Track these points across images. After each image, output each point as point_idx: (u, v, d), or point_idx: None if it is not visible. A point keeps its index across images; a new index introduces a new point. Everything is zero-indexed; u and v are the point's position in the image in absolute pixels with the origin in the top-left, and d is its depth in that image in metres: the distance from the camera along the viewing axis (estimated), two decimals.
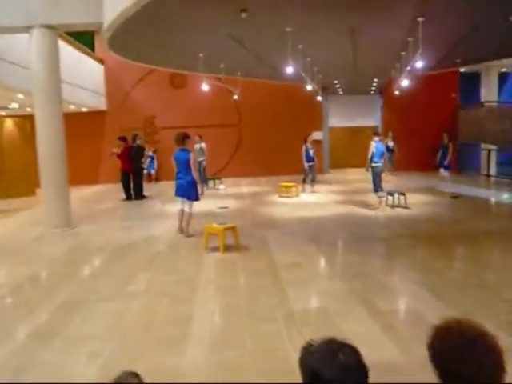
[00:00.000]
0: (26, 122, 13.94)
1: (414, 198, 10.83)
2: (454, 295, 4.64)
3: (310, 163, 13.12)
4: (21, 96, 11.62)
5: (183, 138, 7.62)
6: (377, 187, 9.93)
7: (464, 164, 17.90)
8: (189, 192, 7.55)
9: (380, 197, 9.87)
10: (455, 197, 11.40)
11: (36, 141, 8.82)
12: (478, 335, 1.31)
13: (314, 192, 12.97)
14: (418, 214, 9.35)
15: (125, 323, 4.19)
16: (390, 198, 10.11)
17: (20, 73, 10.14)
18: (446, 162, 12.23)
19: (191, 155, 7.53)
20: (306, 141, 13.27)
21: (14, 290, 5.31)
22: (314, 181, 13.27)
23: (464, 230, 7.82)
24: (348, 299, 4.60)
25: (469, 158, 18.11)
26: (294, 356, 3.31)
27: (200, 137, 14.62)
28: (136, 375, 1.59)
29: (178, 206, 7.90)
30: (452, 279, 5.23)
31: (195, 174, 7.50)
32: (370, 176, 10.23)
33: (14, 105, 13.09)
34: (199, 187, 7.70)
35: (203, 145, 14.57)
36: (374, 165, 9.96)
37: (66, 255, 6.95)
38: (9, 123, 14.22)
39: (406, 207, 9.87)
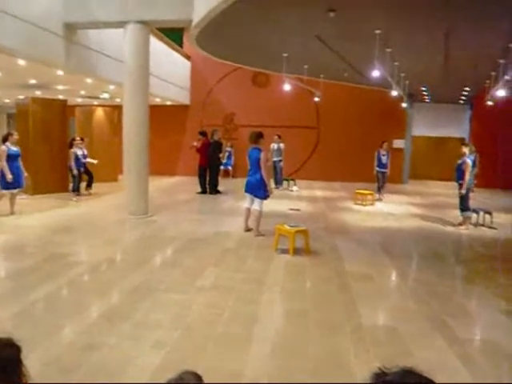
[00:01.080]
0: (115, 111, 14.74)
1: (501, 218, 10.04)
2: None
3: (382, 170, 12.70)
4: (112, 87, 12.29)
5: (257, 137, 7.67)
6: (464, 206, 9.05)
7: None
8: (256, 189, 7.57)
9: (467, 217, 9.12)
10: None
11: (122, 130, 9.26)
12: None
13: (380, 200, 12.53)
14: (505, 235, 8.64)
15: (191, 316, 4.23)
16: (475, 215, 9.44)
17: (113, 65, 10.73)
18: None
19: (262, 154, 7.54)
20: (380, 146, 12.83)
21: (91, 270, 5.57)
22: (382, 188, 12.84)
23: None
24: (422, 321, 4.31)
25: None
26: (359, 373, 3.15)
27: (279, 136, 14.59)
28: (197, 376, 1.54)
29: (245, 203, 7.93)
30: None
31: (265, 173, 7.48)
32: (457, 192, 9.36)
33: (105, 95, 13.88)
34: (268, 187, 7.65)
35: (281, 145, 14.54)
36: (461, 182, 8.85)
37: (141, 242, 7.21)
38: (99, 112, 15.09)
39: (491, 227, 9.16)
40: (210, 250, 6.71)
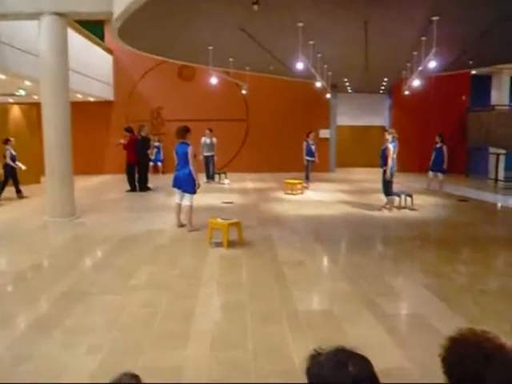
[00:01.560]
0: (33, 109, 13.89)
1: (420, 200, 10.71)
2: (460, 299, 4.55)
3: (312, 158, 13.13)
4: (28, 83, 11.57)
5: (184, 132, 7.61)
6: (388, 191, 9.59)
7: (472, 167, 17.73)
8: (185, 184, 7.53)
9: (391, 200, 9.60)
10: (463, 200, 11.28)
11: (42, 129, 8.77)
12: (495, 349, 1.22)
13: (308, 188, 12.95)
14: (425, 216, 9.24)
15: (125, 317, 4.12)
16: (397, 199, 9.99)
17: (28, 59, 10.09)
18: (443, 165, 12.23)
19: (190, 148, 7.50)
20: (307, 136, 13.23)
21: (16, 279, 5.26)
22: (307, 178, 13.27)
23: (470, 233, 7.71)
24: (353, 301, 4.51)
25: (477, 161, 17.94)
26: (297, 357, 3.24)
27: (210, 130, 14.42)
28: (135, 377, 1.51)
29: (176, 199, 7.84)
30: (459, 283, 5.14)
31: (193, 168, 7.46)
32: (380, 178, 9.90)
33: (21, 92, 13.04)
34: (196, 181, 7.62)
35: (214, 139, 14.38)
36: (385, 168, 9.43)
37: (69, 245, 6.90)
38: (15, 110, 14.17)
39: (413, 209, 9.75)
40: (143, 248, 6.57)
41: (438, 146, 12.39)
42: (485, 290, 4.92)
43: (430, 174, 12.60)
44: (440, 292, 4.76)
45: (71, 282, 5.08)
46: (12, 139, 11.00)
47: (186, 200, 7.60)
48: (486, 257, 6.25)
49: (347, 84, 17.63)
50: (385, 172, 9.45)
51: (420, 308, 4.39)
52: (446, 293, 4.75)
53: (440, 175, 12.33)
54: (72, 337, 3.71)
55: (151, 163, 14.51)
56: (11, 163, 10.64)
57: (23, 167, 11.35)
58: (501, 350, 1.22)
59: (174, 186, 7.69)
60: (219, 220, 6.74)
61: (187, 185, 7.52)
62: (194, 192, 7.62)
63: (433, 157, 12.51)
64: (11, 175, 11.07)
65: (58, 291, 4.78)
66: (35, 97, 13.99)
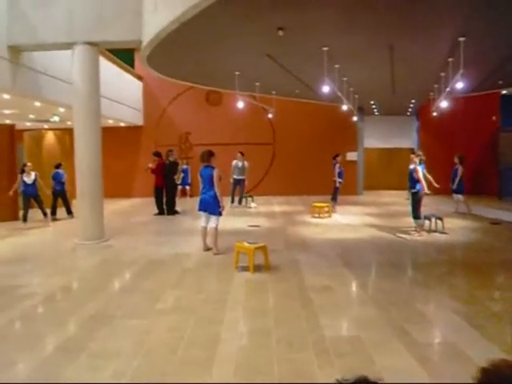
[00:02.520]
0: (66, 135, 14.37)
1: (451, 223, 10.45)
2: (494, 327, 4.37)
3: (340, 180, 13.12)
4: (62, 110, 12.00)
5: (208, 156, 7.73)
6: (416, 214, 9.38)
7: (505, 189, 17.23)
8: (211, 206, 7.59)
9: (420, 224, 9.41)
10: (496, 223, 10.95)
11: (74, 154, 9.03)
12: None
13: (335, 211, 12.89)
14: (456, 240, 8.99)
15: (151, 341, 4.11)
16: (427, 222, 9.78)
17: (62, 87, 10.49)
18: (454, 186, 12.16)
19: (215, 171, 7.61)
20: (335, 158, 13.21)
21: (46, 300, 5.34)
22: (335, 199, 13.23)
23: (504, 258, 7.44)
24: (382, 328, 4.38)
25: (510, 182, 17.43)
26: None
27: (242, 154, 14.41)
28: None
29: (201, 222, 7.88)
30: (492, 310, 4.94)
31: (218, 190, 7.53)
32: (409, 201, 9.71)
33: (55, 118, 13.53)
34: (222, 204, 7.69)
35: (246, 163, 14.34)
36: (414, 191, 9.32)
37: (97, 268, 7.00)
38: (49, 136, 14.67)
39: (443, 232, 9.50)
40: (170, 271, 6.59)
41: (456, 167, 12.27)
42: None
43: (454, 196, 12.44)
44: (473, 319, 4.58)
45: (99, 305, 5.12)
46: (29, 164, 11.18)
47: (212, 222, 7.64)
48: None
49: (374, 106, 17.58)
50: (415, 194, 9.28)
51: (451, 336, 4.23)
52: (478, 320, 4.56)
53: (460, 196, 12.11)
54: (98, 360, 3.72)
55: (180, 186, 14.66)
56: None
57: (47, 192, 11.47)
58: None
59: (200, 209, 7.73)
60: (245, 244, 6.72)
61: (213, 207, 7.58)
62: (220, 214, 7.67)
63: (452, 179, 12.37)
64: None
65: (86, 314, 4.83)
66: (68, 123, 14.51)
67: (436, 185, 9.71)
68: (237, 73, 10.68)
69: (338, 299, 5.35)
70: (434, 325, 4.63)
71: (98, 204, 8.99)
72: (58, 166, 12.18)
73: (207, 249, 7.88)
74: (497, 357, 1.37)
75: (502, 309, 5.00)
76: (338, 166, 13.14)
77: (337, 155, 13.36)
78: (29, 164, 11.08)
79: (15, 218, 11.40)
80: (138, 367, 3.59)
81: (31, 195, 10.70)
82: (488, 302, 5.21)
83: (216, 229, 7.64)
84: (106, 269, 6.94)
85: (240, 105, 12.81)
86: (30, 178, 10.75)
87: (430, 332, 4.46)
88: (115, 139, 17.23)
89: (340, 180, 13.15)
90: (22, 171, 10.82)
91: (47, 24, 8.62)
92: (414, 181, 9.20)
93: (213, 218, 7.64)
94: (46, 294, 5.57)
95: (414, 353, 3.79)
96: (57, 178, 12.02)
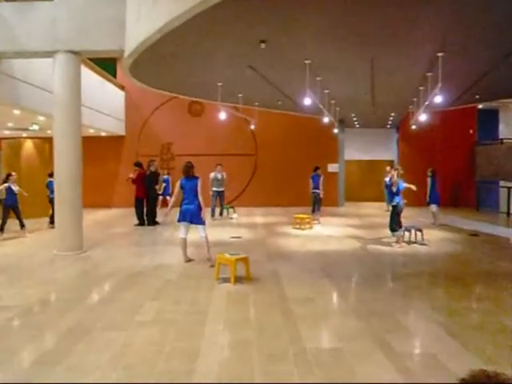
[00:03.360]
0: (45, 143, 14.17)
1: (430, 235, 10.59)
2: (473, 337, 4.42)
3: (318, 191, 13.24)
4: (41, 118, 11.84)
5: (191, 167, 7.77)
6: (394, 226, 9.54)
7: (482, 201, 17.59)
8: (197, 217, 7.57)
9: (399, 236, 9.52)
10: (474, 234, 11.14)
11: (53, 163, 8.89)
12: None
13: (318, 222, 12.99)
14: (436, 251, 9.10)
15: (130, 355, 4.04)
16: (407, 234, 9.89)
17: (42, 96, 10.36)
18: (428, 198, 12.33)
19: (200, 181, 7.64)
20: (318, 168, 13.32)
21: (22, 313, 5.21)
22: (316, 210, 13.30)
23: (483, 269, 7.56)
24: (363, 339, 4.39)
25: (487, 195, 17.81)
26: None
27: (220, 165, 14.34)
28: None
29: (181, 233, 7.79)
30: (472, 320, 5.00)
31: (202, 200, 7.56)
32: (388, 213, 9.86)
33: (35, 127, 13.33)
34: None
35: (224, 174, 14.28)
36: (393, 203, 9.51)
37: (76, 279, 6.87)
38: (28, 145, 14.44)
39: (423, 244, 9.63)
40: (150, 283, 6.51)
41: (428, 179, 12.47)
42: (499, 327, 4.77)
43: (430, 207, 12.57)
44: (452, 329, 4.63)
45: (77, 317, 5.02)
46: (14, 173, 10.89)
47: (202, 232, 7.63)
48: (500, 293, 6.10)
49: (355, 119, 17.80)
50: (394, 207, 9.43)
51: (432, 346, 4.26)
52: (458, 330, 4.62)
53: (433, 206, 12.29)
54: (75, 374, 3.64)
55: (160, 197, 14.53)
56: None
57: (25, 194, 11.02)
58: None
59: (184, 219, 7.63)
60: (227, 255, 6.69)
61: (199, 217, 7.57)
62: (204, 222, 7.66)
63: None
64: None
65: (64, 326, 4.72)
66: (48, 131, 14.31)
67: (414, 188, 9.81)
68: (219, 84, 10.71)
69: (319, 310, 5.35)
70: (414, 335, 4.66)
71: (78, 214, 8.86)
72: (51, 175, 11.71)
73: (188, 260, 7.82)
74: (476, 367, 1.39)
75: (481, 319, 5.07)
76: (322, 177, 13.26)
77: (318, 167, 13.47)
78: (13, 173, 10.85)
79: None
80: (116, 380, 3.52)
81: (13, 205, 10.48)
82: (467, 313, 5.28)
83: (207, 237, 7.62)
84: (84, 280, 6.81)
85: (222, 116, 12.82)
86: (16, 187, 10.54)
87: (410, 342, 4.49)
88: (96, 149, 17.05)
89: (319, 191, 13.24)
90: (6, 181, 10.56)
91: (28, 31, 8.52)
92: (392, 194, 9.38)
93: (200, 228, 7.62)
94: (23, 307, 5.44)
95: (395, 363, 3.81)
96: (51, 187, 11.58)
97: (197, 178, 7.68)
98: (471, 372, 1.30)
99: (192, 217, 7.58)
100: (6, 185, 10.45)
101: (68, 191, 8.67)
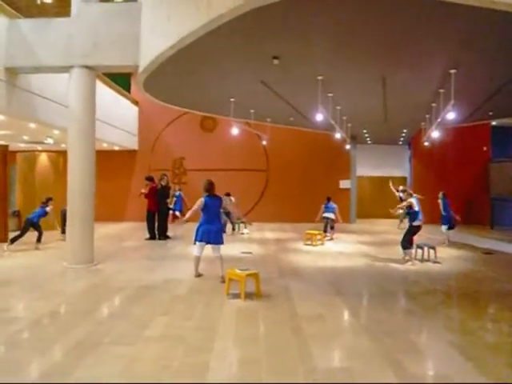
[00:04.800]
0: (60, 157, 14.34)
1: (444, 253, 10.44)
2: (487, 359, 4.30)
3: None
4: (56, 132, 12.00)
5: (213, 186, 7.64)
6: (405, 244, 9.37)
7: (497, 219, 17.34)
8: (219, 237, 7.59)
9: (409, 253, 9.37)
10: (488, 253, 10.95)
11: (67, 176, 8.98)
12: None
13: (331, 239, 12.98)
14: (449, 269, 8.96)
15: (138, 369, 4.00)
16: (420, 251, 9.76)
17: (57, 110, 10.53)
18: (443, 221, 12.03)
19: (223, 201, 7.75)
20: (329, 199, 13.45)
21: (31, 326, 5.21)
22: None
23: (497, 288, 7.41)
24: (375, 359, 4.30)
25: (502, 212, 17.55)
26: None
27: (228, 194, 13.84)
28: None
29: (196, 251, 7.71)
30: (486, 341, 4.88)
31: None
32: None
33: (50, 140, 13.51)
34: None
35: (232, 199, 14.05)
36: (416, 224, 9.32)
37: (86, 293, 6.86)
38: (43, 158, 14.63)
39: (436, 262, 9.48)
40: (160, 297, 6.48)
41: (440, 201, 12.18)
42: None
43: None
44: (466, 351, 4.52)
45: (85, 331, 5.00)
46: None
47: (218, 252, 7.59)
48: None
49: (366, 135, 17.78)
50: (413, 227, 9.32)
51: (444, 367, 4.15)
52: (472, 351, 4.50)
53: (443, 227, 12.06)
54: None
55: (172, 212, 14.54)
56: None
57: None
58: None
59: (203, 240, 7.49)
60: (237, 271, 6.65)
61: (221, 237, 7.59)
62: (223, 243, 7.70)
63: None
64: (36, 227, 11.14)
65: (72, 340, 4.70)
66: (63, 145, 14.50)
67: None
68: (232, 99, 10.78)
69: (329, 328, 5.27)
70: (427, 356, 4.55)
71: (89, 227, 8.90)
72: (45, 202, 11.85)
73: (198, 275, 7.79)
74: None
75: (495, 340, 4.94)
76: (336, 206, 13.29)
77: (330, 198, 13.42)
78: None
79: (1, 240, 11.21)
80: None
81: (37, 223, 10.82)
82: (482, 333, 5.16)
83: (221, 256, 7.63)
84: (94, 294, 6.81)
85: (234, 131, 12.89)
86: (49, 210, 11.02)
87: (422, 363, 4.38)
88: (109, 163, 17.22)
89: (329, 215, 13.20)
90: (46, 204, 11.07)
91: (45, 47, 8.72)
92: (414, 214, 9.25)
93: (217, 248, 7.58)
94: (32, 319, 5.44)
95: None
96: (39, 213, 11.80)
97: (220, 198, 7.71)
98: None
99: (215, 237, 7.51)
100: (40, 208, 10.94)
101: (80, 204, 8.73)
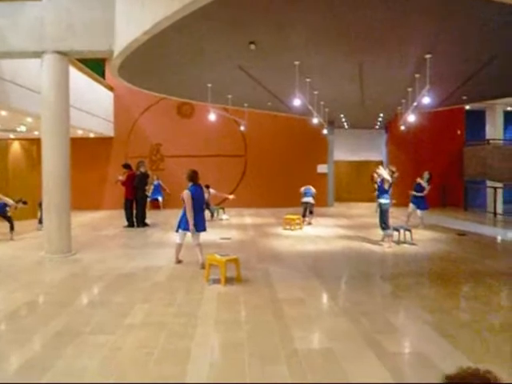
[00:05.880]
0: (33, 145, 14.04)
1: (419, 235, 10.67)
2: (463, 336, 4.45)
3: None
4: (29, 119, 11.71)
5: (197, 175, 7.62)
6: (385, 224, 9.55)
7: (470, 201, 17.77)
8: (204, 224, 7.68)
9: (388, 235, 9.58)
10: (462, 234, 11.24)
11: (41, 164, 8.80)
12: None
13: (310, 224, 13.04)
14: (425, 251, 9.17)
15: (120, 358, 4.00)
16: (396, 233, 9.95)
17: (29, 96, 10.25)
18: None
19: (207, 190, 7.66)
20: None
21: (9, 317, 5.13)
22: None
23: (471, 268, 7.63)
24: (354, 339, 4.40)
25: (475, 195, 18.01)
26: None
27: (207, 187, 13.41)
28: None
29: (178, 238, 7.72)
30: (461, 319, 5.04)
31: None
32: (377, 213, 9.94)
33: (22, 128, 13.19)
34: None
35: (211, 191, 13.93)
36: (383, 202, 9.55)
37: (64, 282, 6.79)
38: (16, 146, 14.29)
39: (412, 243, 9.69)
40: (140, 285, 6.46)
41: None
42: (488, 326, 4.82)
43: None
44: (442, 328, 4.66)
45: (65, 321, 4.96)
46: None
47: (198, 239, 7.62)
48: (488, 292, 6.16)
49: (344, 120, 17.89)
50: (380, 205, 9.50)
51: (421, 345, 4.28)
52: (447, 329, 4.65)
53: (418, 212, 12.22)
54: (64, 379, 3.59)
55: (149, 199, 14.42)
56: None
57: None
58: None
59: (203, 229, 7.61)
60: (217, 256, 6.67)
61: (204, 225, 7.64)
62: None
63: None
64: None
65: (52, 330, 4.66)
66: (36, 133, 14.18)
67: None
68: (209, 85, 10.68)
69: (310, 311, 5.36)
70: (404, 335, 4.68)
71: (66, 216, 8.76)
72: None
73: (178, 261, 7.79)
74: (464, 365, 1.39)
75: (470, 318, 5.11)
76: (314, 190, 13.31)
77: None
78: None
79: None
80: None
81: (2, 213, 10.44)
82: (457, 312, 5.32)
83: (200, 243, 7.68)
84: (73, 283, 6.74)
85: (212, 117, 12.79)
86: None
87: (400, 342, 4.50)
88: (85, 150, 16.92)
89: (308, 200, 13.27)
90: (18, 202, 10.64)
91: (16, 31, 8.42)
92: (383, 190, 9.42)
93: (198, 235, 7.59)
94: (9, 311, 5.36)
95: (386, 363, 3.82)
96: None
97: (201, 187, 7.74)
98: (458, 369, 1.30)
99: (204, 227, 7.67)
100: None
101: (56, 193, 8.58)
